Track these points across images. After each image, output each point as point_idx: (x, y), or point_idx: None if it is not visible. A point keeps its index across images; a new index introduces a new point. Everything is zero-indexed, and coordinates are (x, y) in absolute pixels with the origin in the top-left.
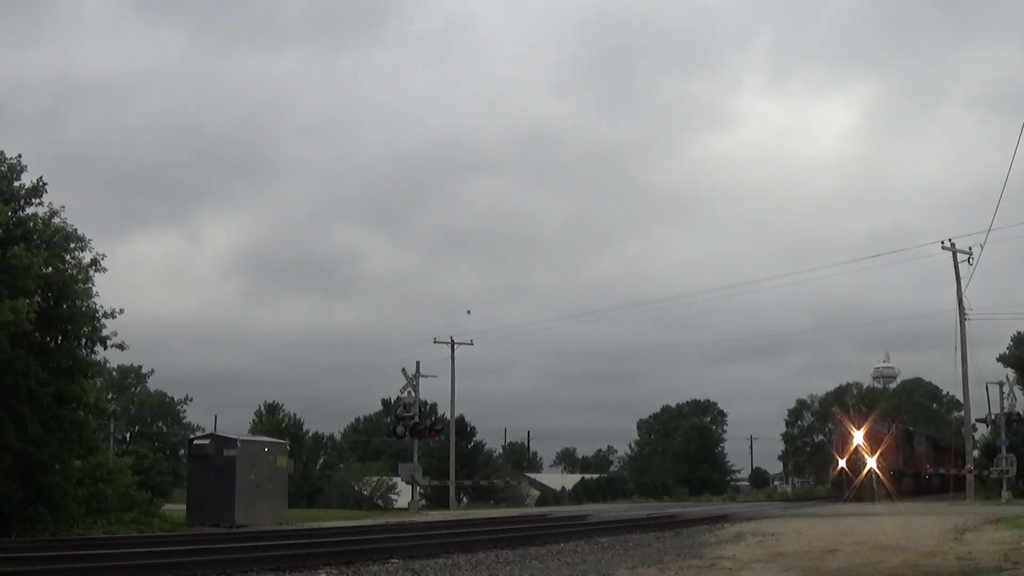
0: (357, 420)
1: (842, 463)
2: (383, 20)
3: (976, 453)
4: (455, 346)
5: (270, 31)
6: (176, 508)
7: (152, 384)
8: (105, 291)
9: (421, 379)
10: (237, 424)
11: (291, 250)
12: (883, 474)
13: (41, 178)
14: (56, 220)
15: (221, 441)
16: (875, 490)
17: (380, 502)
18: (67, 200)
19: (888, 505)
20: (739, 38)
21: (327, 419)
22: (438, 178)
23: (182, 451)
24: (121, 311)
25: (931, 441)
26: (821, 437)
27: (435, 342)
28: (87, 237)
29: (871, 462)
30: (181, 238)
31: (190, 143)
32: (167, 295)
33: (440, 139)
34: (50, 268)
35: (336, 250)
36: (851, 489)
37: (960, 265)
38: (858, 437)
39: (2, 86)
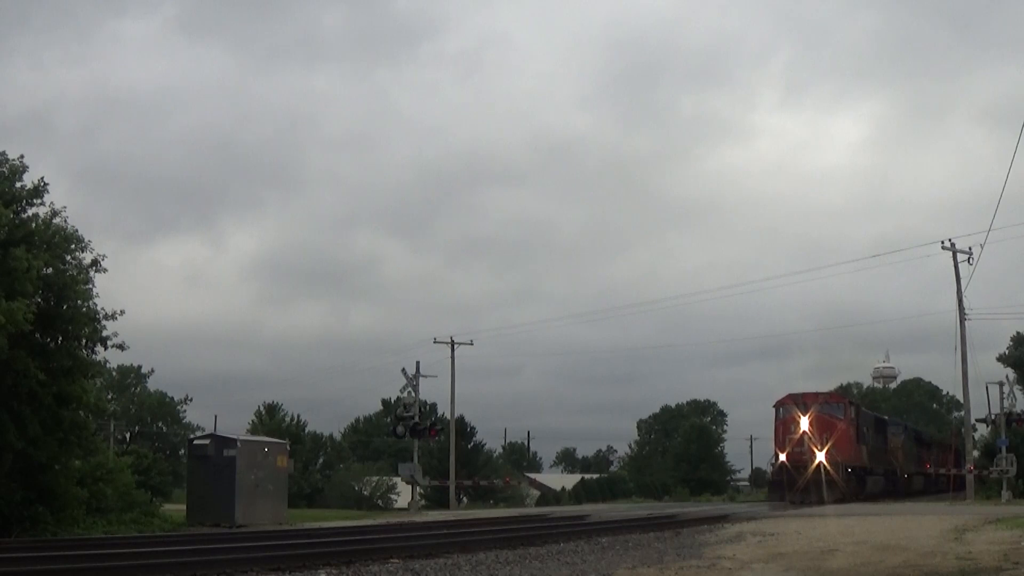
0: (357, 420)
1: (782, 457)
2: (417, 40)
3: (976, 453)
4: (455, 346)
5: (307, 50)
6: (176, 508)
7: (152, 384)
8: (126, 294)
9: (421, 379)
10: (238, 425)
11: (312, 257)
12: (834, 471)
13: (42, 178)
14: (57, 220)
15: (221, 441)
16: (824, 492)
17: (380, 502)
18: (99, 208)
19: (839, 507)
20: (757, 57)
21: (328, 419)
22: (461, 188)
23: (182, 451)
24: (122, 312)
25: (913, 433)
26: None
27: (435, 342)
28: (87, 238)
29: (820, 455)
30: (206, 245)
31: (222, 155)
32: (188, 298)
33: (465, 151)
34: (50, 269)
35: (355, 257)
36: (793, 491)
37: (960, 266)
38: (804, 423)
39: (46, 101)
